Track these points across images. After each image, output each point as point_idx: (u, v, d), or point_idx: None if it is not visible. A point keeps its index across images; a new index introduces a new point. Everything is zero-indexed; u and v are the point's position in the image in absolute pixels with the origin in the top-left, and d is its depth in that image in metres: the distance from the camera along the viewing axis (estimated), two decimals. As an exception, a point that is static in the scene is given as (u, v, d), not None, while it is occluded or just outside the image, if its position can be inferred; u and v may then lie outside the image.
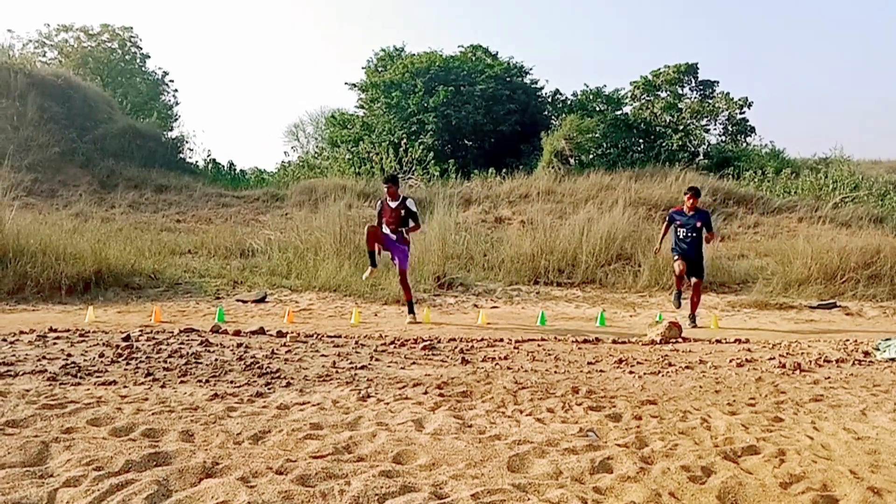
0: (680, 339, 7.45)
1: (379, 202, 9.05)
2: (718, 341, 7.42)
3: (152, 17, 64.78)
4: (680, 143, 23.75)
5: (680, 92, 25.49)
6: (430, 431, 3.54)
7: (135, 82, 30.09)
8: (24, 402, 3.87)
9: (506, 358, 5.96)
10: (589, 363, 5.84)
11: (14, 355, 5.43)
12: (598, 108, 25.58)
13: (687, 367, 5.71)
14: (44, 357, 5.39)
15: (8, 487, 2.63)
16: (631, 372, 5.45)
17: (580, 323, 9.17)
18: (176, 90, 33.01)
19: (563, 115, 24.34)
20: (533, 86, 26.52)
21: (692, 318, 9.07)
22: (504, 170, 20.83)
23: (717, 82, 25.48)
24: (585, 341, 7.15)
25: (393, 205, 8.79)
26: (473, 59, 26.16)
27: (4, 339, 6.25)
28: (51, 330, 6.84)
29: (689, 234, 8.98)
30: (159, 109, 28.87)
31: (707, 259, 9.82)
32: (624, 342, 7.26)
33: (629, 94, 25.86)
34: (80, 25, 30.25)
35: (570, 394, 4.53)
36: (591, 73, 75.43)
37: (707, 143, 25.16)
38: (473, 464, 3.04)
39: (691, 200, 9.00)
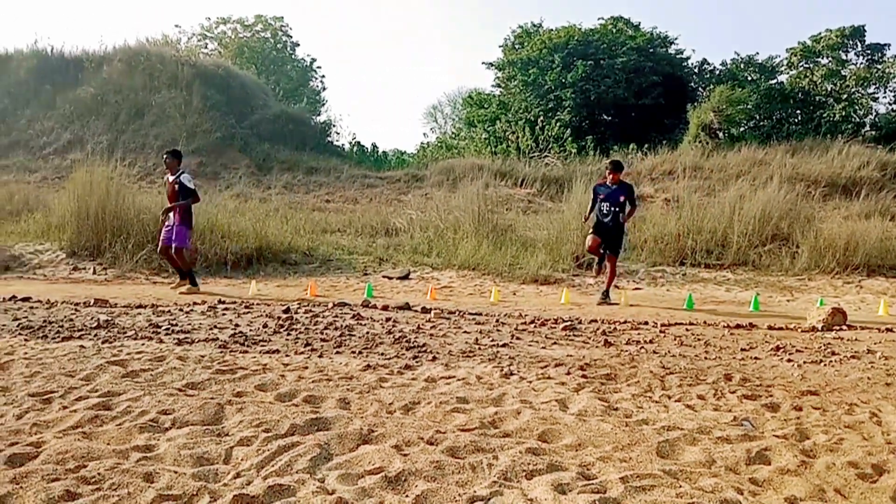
0: (844, 327, 6.90)
1: (166, 177, 9.38)
2: (889, 329, 6.79)
3: (300, 5, 68.15)
4: (843, 113, 21.72)
5: (843, 58, 23.21)
6: (574, 412, 3.54)
7: (286, 70, 31.92)
8: (200, 367, 4.29)
9: (651, 341, 5.80)
10: (742, 350, 5.56)
11: (190, 324, 6.02)
12: (749, 78, 23.93)
13: (853, 357, 5.29)
14: (215, 326, 5.92)
15: (192, 443, 2.94)
16: (789, 360, 5.13)
17: (731, 307, 8.71)
18: (323, 76, 34.72)
19: (712, 86, 22.99)
20: (678, 56, 25.29)
21: (605, 293, 8.86)
22: (646, 145, 20.07)
23: (888, 45, 22.94)
24: (738, 326, 6.80)
25: (171, 178, 8.99)
26: (614, 31, 25.30)
27: (181, 310, 6.94)
28: (220, 302, 7.51)
29: (612, 209, 8.84)
30: (308, 95, 30.46)
31: (627, 234, 9.58)
32: (781, 328, 6.83)
33: (785, 62, 23.94)
34: (236, 17, 32.52)
35: (722, 381, 4.34)
36: (741, 40, 70.55)
37: (875, 113, 22.84)
38: (621, 447, 3.01)
39: (612, 175, 8.88)
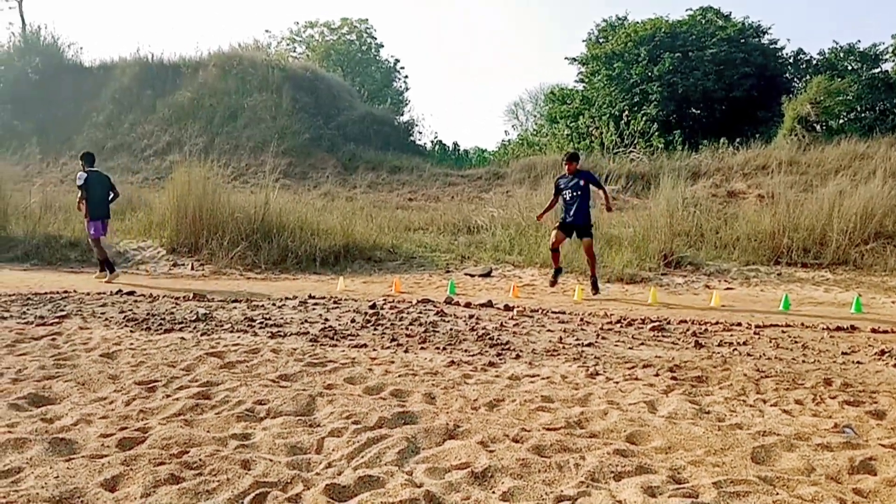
0: (959, 331, 6.41)
1: None
2: None
3: (384, 6, 69.25)
4: (956, 101, 20.15)
5: (957, 41, 21.52)
6: (663, 414, 3.45)
7: (370, 71, 32.55)
8: (292, 360, 4.45)
9: (745, 343, 5.59)
10: (843, 353, 5.27)
11: (282, 318, 6.24)
12: (850, 68, 22.53)
13: (970, 364, 4.92)
14: (306, 321, 6.12)
15: (286, 433, 3.05)
16: (895, 365, 4.83)
17: (831, 309, 8.26)
18: (406, 77, 35.29)
19: (808, 77, 21.81)
20: (771, 46, 24.12)
21: (594, 284, 8.88)
22: (737, 139, 19.27)
23: None
24: (838, 329, 6.44)
25: None
26: (703, 22, 24.40)
27: (274, 304, 7.21)
28: (310, 297, 7.75)
29: (574, 195, 8.90)
30: (392, 96, 30.97)
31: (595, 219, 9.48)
32: (886, 331, 6.42)
33: (890, 49, 22.39)
34: (323, 21, 33.43)
35: (821, 385, 4.13)
36: (841, 30, 66.62)
37: None
38: (713, 451, 2.92)
39: (568, 166, 9.00)
